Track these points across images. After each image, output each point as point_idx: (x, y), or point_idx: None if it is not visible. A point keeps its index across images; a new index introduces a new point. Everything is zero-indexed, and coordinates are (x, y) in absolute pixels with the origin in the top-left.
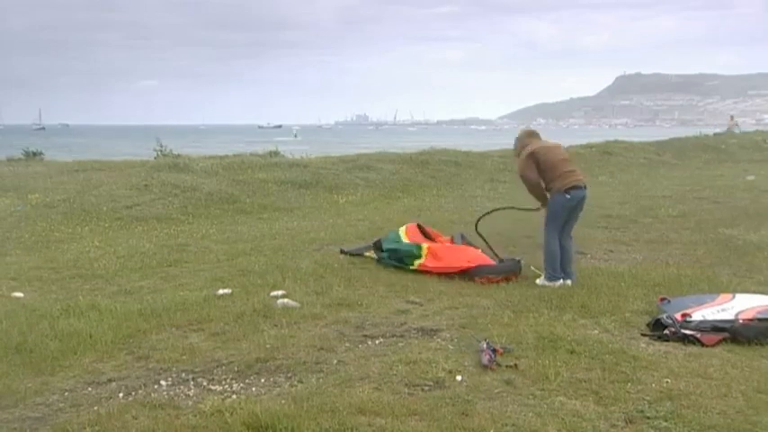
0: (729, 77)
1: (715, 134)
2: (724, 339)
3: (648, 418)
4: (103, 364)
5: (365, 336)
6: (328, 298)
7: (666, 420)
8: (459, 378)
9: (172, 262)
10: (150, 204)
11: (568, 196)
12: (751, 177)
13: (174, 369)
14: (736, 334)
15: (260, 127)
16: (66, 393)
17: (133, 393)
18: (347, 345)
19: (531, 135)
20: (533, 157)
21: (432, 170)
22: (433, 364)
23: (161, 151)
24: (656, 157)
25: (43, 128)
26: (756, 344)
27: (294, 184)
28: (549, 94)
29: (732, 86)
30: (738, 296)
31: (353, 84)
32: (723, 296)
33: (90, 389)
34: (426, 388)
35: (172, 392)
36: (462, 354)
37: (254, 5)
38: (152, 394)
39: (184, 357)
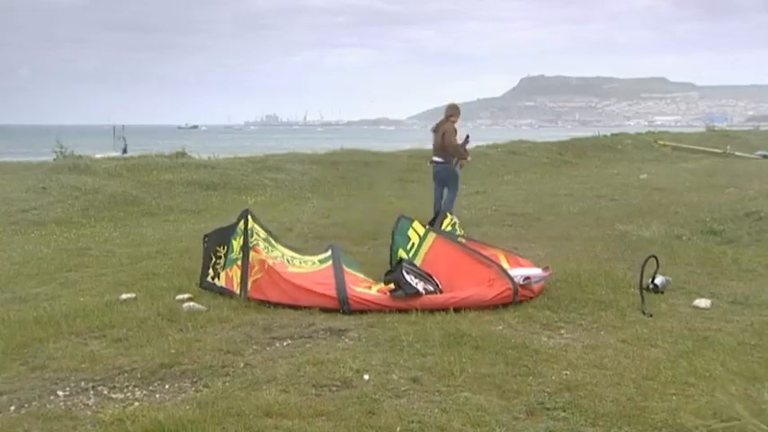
0: (625, 80)
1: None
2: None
3: (548, 409)
4: None
5: (273, 338)
6: (236, 300)
7: (565, 411)
8: (366, 377)
9: (72, 267)
10: (48, 207)
11: None
12: (644, 176)
13: (73, 378)
14: None
15: (179, 128)
16: None
17: (26, 406)
18: (254, 347)
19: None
20: None
21: (341, 170)
22: (341, 364)
23: (61, 152)
24: (558, 156)
25: None
26: (647, 334)
27: (201, 185)
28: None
29: (627, 89)
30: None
31: (261, 86)
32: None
33: None
34: (334, 388)
35: (69, 403)
36: (370, 353)
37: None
38: (47, 405)
39: (84, 366)
